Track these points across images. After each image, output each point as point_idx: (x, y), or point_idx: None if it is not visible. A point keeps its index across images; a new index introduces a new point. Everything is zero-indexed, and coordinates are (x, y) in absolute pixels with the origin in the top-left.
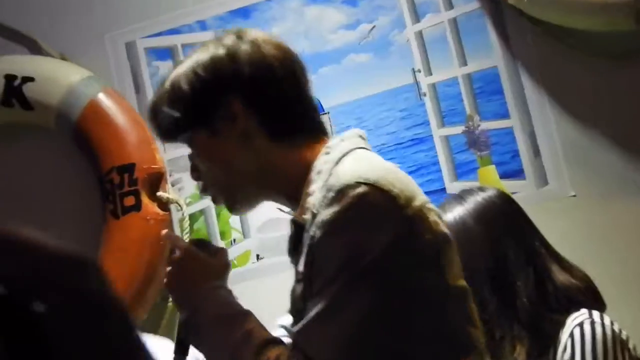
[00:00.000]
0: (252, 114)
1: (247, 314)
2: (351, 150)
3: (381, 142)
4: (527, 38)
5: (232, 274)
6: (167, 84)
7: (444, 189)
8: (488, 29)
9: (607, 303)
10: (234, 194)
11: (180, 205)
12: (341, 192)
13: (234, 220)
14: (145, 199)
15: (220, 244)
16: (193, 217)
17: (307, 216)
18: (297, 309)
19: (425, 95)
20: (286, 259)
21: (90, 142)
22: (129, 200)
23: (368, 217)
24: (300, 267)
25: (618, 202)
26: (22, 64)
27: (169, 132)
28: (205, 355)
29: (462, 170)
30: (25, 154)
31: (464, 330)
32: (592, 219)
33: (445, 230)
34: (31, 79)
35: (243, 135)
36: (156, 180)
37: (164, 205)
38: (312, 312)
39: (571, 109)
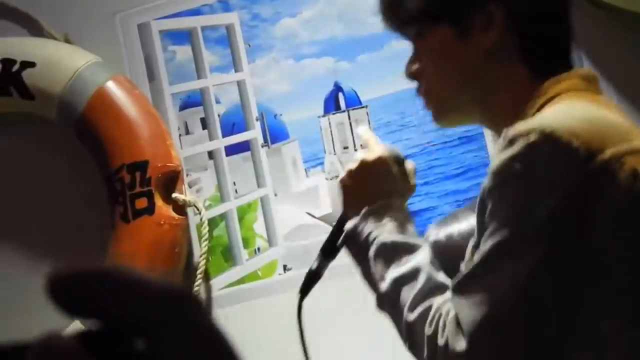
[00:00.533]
0: (512, 32)
1: (418, 245)
2: (559, 94)
3: (426, 140)
4: (588, 22)
5: (256, 285)
6: None
7: None
8: None
9: None
10: (451, 106)
11: (198, 209)
12: (511, 141)
13: (259, 226)
14: (158, 201)
15: (243, 252)
16: (213, 222)
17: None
18: None
19: None
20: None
21: (97, 136)
22: (141, 203)
23: (535, 172)
24: (472, 221)
25: None
26: (21, 47)
27: (406, 17)
28: (357, 267)
29: None
30: (23, 148)
31: None
32: None
33: None
34: (31, 64)
35: (492, 48)
36: (171, 180)
37: (180, 208)
38: (466, 269)
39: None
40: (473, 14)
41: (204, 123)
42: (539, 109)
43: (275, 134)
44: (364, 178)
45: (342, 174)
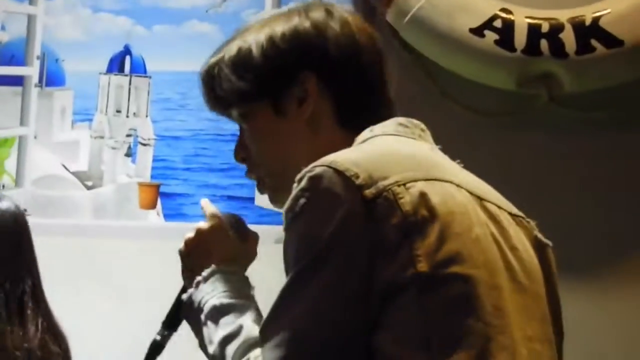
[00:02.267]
0: (326, 97)
1: (248, 306)
2: (374, 137)
3: (200, 126)
4: (393, 63)
5: None
6: (234, 47)
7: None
8: None
9: None
10: (284, 185)
11: None
12: (299, 180)
13: (10, 163)
14: None
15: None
16: None
17: None
18: None
19: None
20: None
21: None
22: None
23: (317, 202)
24: None
25: None
26: None
27: (224, 101)
28: (196, 336)
29: None
30: None
31: (451, 322)
32: None
33: (435, 209)
34: None
35: (311, 117)
36: None
37: None
38: (268, 312)
39: None
40: (286, 90)
41: None
42: None
43: (52, 78)
44: (198, 247)
45: (181, 244)
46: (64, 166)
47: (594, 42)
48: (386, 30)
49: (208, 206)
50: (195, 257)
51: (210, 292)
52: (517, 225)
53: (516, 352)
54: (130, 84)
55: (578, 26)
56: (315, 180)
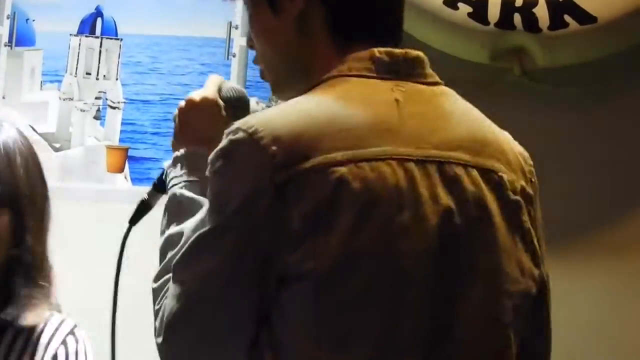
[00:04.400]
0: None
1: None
2: (335, 77)
3: (169, 91)
4: None
5: None
6: None
7: None
8: None
9: None
10: (280, 82)
11: None
12: (225, 135)
13: None
14: None
15: None
16: None
17: None
18: None
19: (234, 56)
20: None
21: None
22: None
23: (231, 169)
24: None
25: None
26: None
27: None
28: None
29: None
30: None
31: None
32: None
33: (352, 198)
34: None
35: (300, 17)
36: None
37: None
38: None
39: None
40: None
41: None
42: (307, 91)
43: (21, 38)
44: (186, 118)
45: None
46: (32, 127)
47: (567, 18)
48: None
49: (213, 77)
50: (182, 127)
51: (177, 177)
52: (486, 184)
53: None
54: (101, 46)
55: (552, 1)
56: (234, 146)
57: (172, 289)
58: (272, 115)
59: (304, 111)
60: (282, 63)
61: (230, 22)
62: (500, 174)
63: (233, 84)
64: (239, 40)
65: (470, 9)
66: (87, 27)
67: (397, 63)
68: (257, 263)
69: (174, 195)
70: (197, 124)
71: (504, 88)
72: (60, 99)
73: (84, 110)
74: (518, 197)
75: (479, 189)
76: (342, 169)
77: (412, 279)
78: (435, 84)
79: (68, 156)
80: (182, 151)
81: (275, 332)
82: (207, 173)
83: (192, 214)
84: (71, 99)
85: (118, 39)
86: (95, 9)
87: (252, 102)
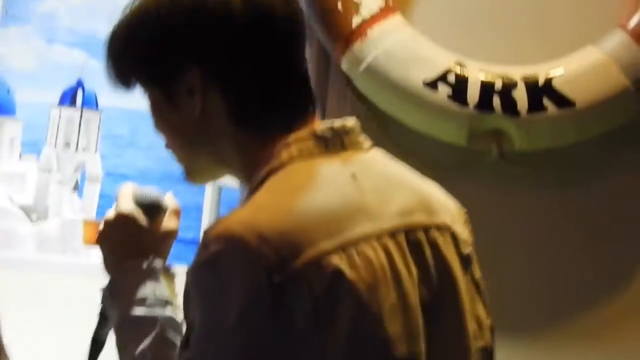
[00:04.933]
0: (217, 91)
1: (154, 324)
2: (285, 164)
3: (149, 164)
4: (346, 112)
5: None
6: (129, 15)
7: None
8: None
9: None
10: (188, 165)
11: None
12: (205, 244)
13: None
14: None
15: None
16: None
17: None
18: None
19: None
20: None
21: None
22: None
23: (222, 280)
24: None
25: None
26: None
27: (124, 79)
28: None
29: None
30: None
31: None
32: None
33: (350, 287)
34: None
35: (203, 112)
36: None
37: None
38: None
39: None
40: (173, 81)
41: None
42: (262, 181)
43: (2, 107)
44: (107, 240)
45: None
46: (9, 198)
47: (545, 101)
48: (340, 78)
49: (123, 189)
50: (106, 250)
51: (118, 300)
52: (445, 243)
53: None
54: (81, 117)
55: (531, 84)
56: (220, 255)
57: None
58: (248, 217)
59: (280, 206)
60: (193, 154)
61: None
62: (453, 229)
63: (145, 188)
64: None
65: (449, 91)
66: (69, 98)
67: (339, 136)
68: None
69: (119, 317)
70: (123, 241)
71: (482, 170)
72: (38, 170)
73: (62, 183)
74: (469, 249)
75: (440, 250)
76: (335, 259)
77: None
78: (370, 148)
79: (45, 228)
80: (115, 273)
81: None
82: (190, 283)
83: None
84: (50, 171)
85: (98, 111)
86: (77, 82)
87: (167, 198)
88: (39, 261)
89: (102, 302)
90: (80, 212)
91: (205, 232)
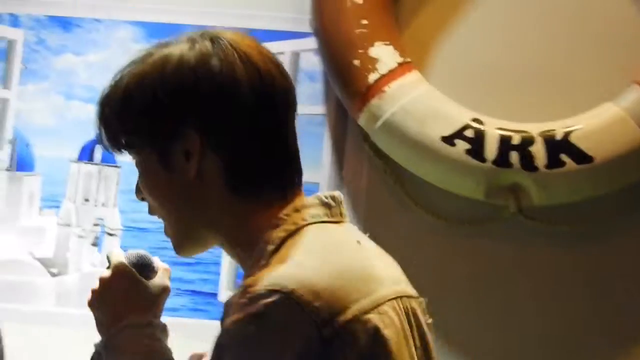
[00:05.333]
0: (214, 156)
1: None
2: (301, 227)
3: None
4: (363, 167)
5: None
6: (122, 86)
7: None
8: (324, 140)
9: None
10: (176, 232)
11: None
12: (251, 299)
13: None
14: None
15: None
16: None
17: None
18: None
19: None
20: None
21: None
22: None
23: (272, 333)
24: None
25: None
26: None
27: (115, 141)
28: None
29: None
30: None
31: None
32: None
33: (387, 344)
34: None
35: (197, 176)
36: None
37: None
38: None
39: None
40: (170, 142)
41: None
42: (280, 245)
43: (22, 162)
44: (104, 298)
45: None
46: (29, 252)
47: (563, 157)
48: (357, 134)
49: (112, 254)
50: (101, 311)
51: (115, 353)
52: (422, 313)
53: None
54: (99, 173)
55: (549, 140)
56: (272, 308)
57: None
58: (296, 273)
59: (323, 265)
60: (182, 220)
61: None
62: (421, 299)
63: (133, 251)
64: None
65: (467, 146)
66: (88, 154)
67: (339, 206)
68: None
69: None
70: (122, 297)
71: (499, 224)
72: (58, 224)
73: (81, 237)
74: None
75: (419, 319)
76: (373, 317)
77: None
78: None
79: (64, 282)
80: (111, 332)
81: None
82: (228, 340)
83: None
84: (69, 225)
85: (117, 166)
86: (95, 137)
87: (156, 260)
88: (58, 314)
89: (94, 358)
90: (99, 265)
91: (248, 286)
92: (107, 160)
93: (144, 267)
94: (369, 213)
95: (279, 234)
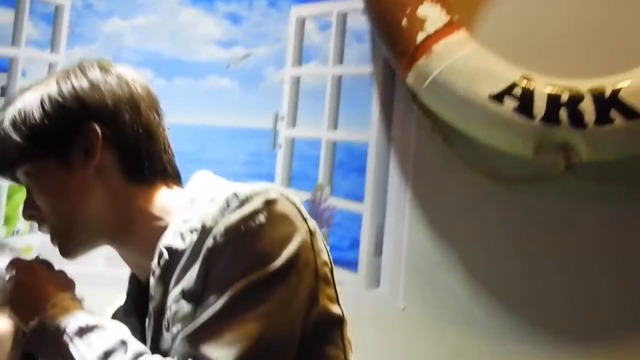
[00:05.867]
0: (110, 148)
1: (117, 323)
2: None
3: None
4: (411, 126)
5: None
6: (15, 108)
7: None
8: (373, 99)
9: None
10: (74, 234)
11: None
12: (247, 200)
13: None
14: None
15: (2, 229)
16: None
17: (191, 236)
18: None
19: (280, 147)
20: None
21: None
22: None
23: (274, 224)
24: (187, 285)
25: (447, 327)
26: None
27: (9, 162)
28: None
29: None
30: None
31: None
32: (416, 337)
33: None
34: None
35: (97, 170)
36: None
37: None
38: (207, 314)
39: (433, 219)
40: (71, 142)
41: (4, 91)
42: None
43: None
44: (28, 282)
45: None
46: None
47: (613, 113)
48: (405, 93)
49: (13, 262)
50: (27, 293)
51: (67, 316)
52: None
53: None
54: None
55: (597, 97)
56: (271, 203)
57: (212, 342)
58: (267, 185)
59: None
60: (79, 215)
61: (277, 114)
62: None
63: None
64: (285, 132)
65: (516, 104)
66: None
67: None
68: (306, 306)
69: (79, 327)
70: (44, 281)
71: (548, 182)
72: None
73: None
74: None
75: None
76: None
77: None
78: None
79: None
80: (54, 298)
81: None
82: (232, 236)
83: (107, 330)
84: None
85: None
86: None
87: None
88: (110, 276)
89: (28, 348)
90: None
91: (233, 196)
92: None
93: (47, 264)
94: (417, 172)
95: (203, 185)
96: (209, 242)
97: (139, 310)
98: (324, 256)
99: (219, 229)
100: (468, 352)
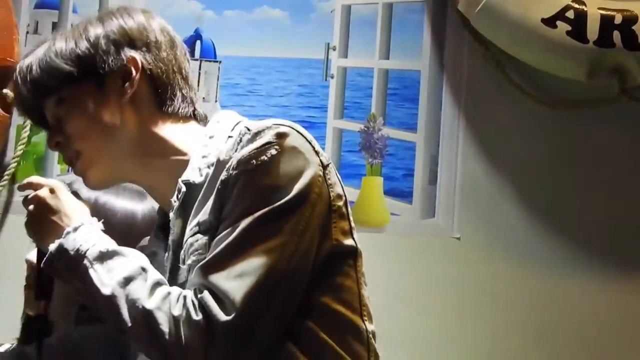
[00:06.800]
0: (147, 81)
1: (137, 252)
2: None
3: (269, 113)
4: (464, 54)
5: None
6: (63, 40)
7: None
8: (424, 27)
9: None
10: (102, 162)
11: None
12: (258, 133)
13: None
14: None
15: (56, 167)
16: (35, 128)
17: (208, 170)
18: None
19: (332, 77)
20: None
21: None
22: None
23: (286, 157)
24: (203, 218)
25: (502, 256)
26: None
27: (47, 86)
28: (81, 291)
29: (346, 172)
30: None
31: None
32: (471, 266)
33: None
34: None
35: (131, 99)
36: (7, 74)
37: (8, 105)
38: (221, 246)
39: (486, 146)
40: (111, 66)
41: (55, 28)
42: (233, 128)
43: None
44: (50, 206)
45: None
46: None
47: None
48: (457, 19)
49: (32, 182)
50: (50, 216)
51: (88, 240)
52: None
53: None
54: (200, 68)
55: None
56: (283, 136)
57: (224, 274)
58: (279, 121)
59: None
60: (107, 140)
61: (328, 44)
62: None
63: None
64: (337, 62)
65: (568, 27)
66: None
67: None
68: (318, 238)
69: (100, 251)
70: (66, 206)
71: (603, 106)
72: None
73: None
74: None
75: None
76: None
77: None
78: None
79: None
80: (76, 222)
81: (330, 307)
82: (246, 167)
83: (128, 256)
84: None
85: (217, 61)
86: (194, 32)
87: None
88: None
89: (47, 268)
90: None
91: (246, 130)
92: (207, 55)
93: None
94: (470, 99)
95: (225, 123)
96: (223, 175)
97: (165, 243)
98: (338, 189)
99: (232, 163)
100: (522, 281)
